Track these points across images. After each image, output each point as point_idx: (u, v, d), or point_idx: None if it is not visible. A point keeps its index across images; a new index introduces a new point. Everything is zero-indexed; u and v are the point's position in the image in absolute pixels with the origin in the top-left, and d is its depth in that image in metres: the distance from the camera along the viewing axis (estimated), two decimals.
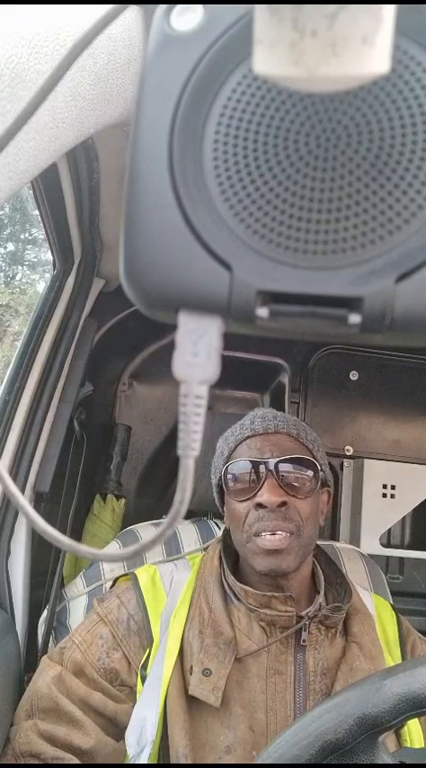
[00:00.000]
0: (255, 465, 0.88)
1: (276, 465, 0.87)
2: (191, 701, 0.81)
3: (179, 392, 0.26)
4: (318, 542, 0.95)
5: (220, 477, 0.94)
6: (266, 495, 0.85)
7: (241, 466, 0.90)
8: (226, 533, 0.99)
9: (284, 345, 1.62)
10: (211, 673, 0.81)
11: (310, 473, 0.89)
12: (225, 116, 0.26)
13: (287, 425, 0.92)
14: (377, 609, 0.98)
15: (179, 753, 0.78)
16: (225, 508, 0.96)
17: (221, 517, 1.23)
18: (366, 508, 1.55)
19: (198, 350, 0.26)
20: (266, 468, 0.87)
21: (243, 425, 0.95)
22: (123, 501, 1.51)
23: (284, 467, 0.88)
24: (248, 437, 0.92)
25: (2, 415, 1.04)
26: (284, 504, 0.85)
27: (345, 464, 1.62)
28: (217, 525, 1.22)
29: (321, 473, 0.91)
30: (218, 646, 0.83)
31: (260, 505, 0.86)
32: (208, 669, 0.81)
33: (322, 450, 0.95)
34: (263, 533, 0.84)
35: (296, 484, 0.87)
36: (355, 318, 0.25)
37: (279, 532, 0.84)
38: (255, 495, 0.87)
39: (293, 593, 0.87)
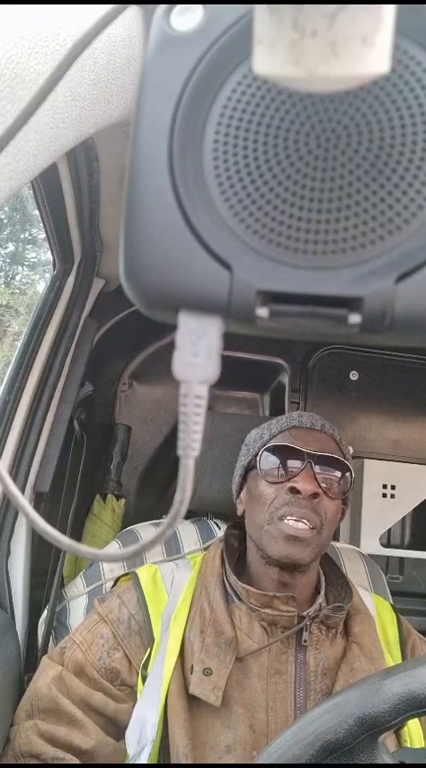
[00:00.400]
0: (297, 453, 0.89)
1: (318, 458, 0.89)
2: (192, 701, 0.81)
3: (179, 392, 0.26)
4: None
5: (252, 458, 0.94)
6: (302, 482, 0.86)
7: (282, 450, 0.91)
8: (229, 533, 0.99)
9: (284, 345, 1.62)
10: (212, 672, 0.81)
11: (342, 476, 0.91)
12: (225, 116, 0.25)
13: (332, 429, 0.95)
14: (378, 609, 0.98)
15: (179, 752, 0.77)
16: (245, 492, 0.96)
17: (221, 517, 1.23)
18: (366, 508, 1.55)
19: (198, 350, 0.26)
20: (307, 457, 0.89)
21: (290, 417, 0.96)
22: (123, 501, 1.52)
23: (324, 463, 0.89)
24: (294, 427, 0.94)
25: (2, 415, 1.04)
26: (317, 495, 0.87)
27: None
28: (217, 525, 1.22)
29: (349, 477, 0.92)
30: (219, 645, 0.83)
31: (293, 490, 0.86)
32: (208, 668, 0.81)
33: (351, 461, 0.96)
34: (289, 518, 0.85)
35: (327, 484, 0.89)
36: (355, 318, 0.25)
37: (305, 521, 0.85)
38: (289, 480, 0.88)
39: (296, 593, 0.87)
